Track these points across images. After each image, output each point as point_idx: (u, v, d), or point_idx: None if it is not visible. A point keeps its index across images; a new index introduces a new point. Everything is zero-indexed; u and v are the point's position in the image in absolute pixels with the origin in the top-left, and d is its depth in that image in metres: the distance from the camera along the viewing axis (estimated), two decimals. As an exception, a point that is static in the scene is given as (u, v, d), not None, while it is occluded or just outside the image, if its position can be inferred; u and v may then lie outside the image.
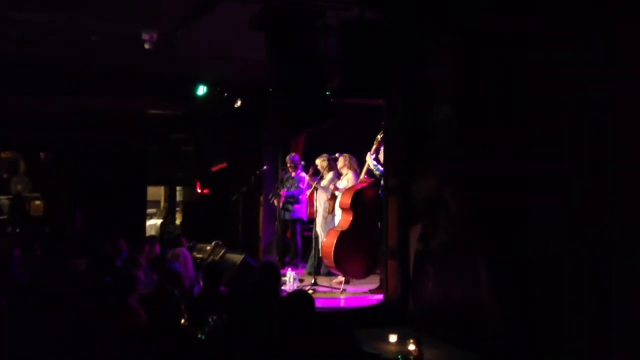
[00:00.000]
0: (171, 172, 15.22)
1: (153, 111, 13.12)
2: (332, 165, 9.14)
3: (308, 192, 9.50)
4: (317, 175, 9.34)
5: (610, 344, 4.49)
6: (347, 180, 8.80)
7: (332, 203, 8.96)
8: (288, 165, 9.73)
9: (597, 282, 4.58)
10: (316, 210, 9.09)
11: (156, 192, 16.21)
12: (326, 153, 9.23)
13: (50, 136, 13.07)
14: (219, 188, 12.91)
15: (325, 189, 9.05)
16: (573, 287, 4.74)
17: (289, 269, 8.37)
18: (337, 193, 8.73)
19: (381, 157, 8.13)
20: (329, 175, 9.10)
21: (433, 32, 6.62)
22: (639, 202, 4.32)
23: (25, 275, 6.34)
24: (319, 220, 9.07)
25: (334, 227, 8.65)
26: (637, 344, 4.29)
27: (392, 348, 5.69)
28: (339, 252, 8.18)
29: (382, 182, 8.10)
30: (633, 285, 4.32)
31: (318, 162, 9.24)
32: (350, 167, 8.84)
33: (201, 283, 6.12)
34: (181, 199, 16.40)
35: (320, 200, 9.05)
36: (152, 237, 12.52)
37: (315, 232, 8.96)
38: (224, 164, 12.52)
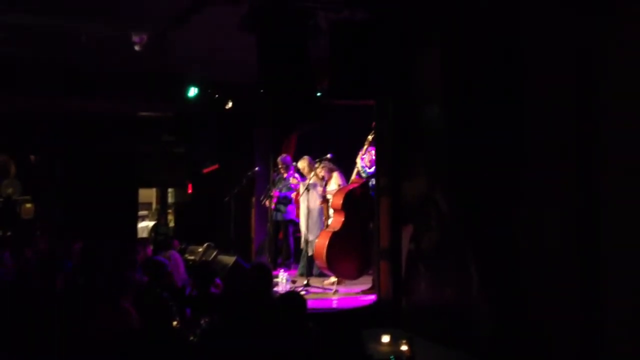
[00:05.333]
0: (162, 174, 15.17)
1: (144, 113, 13.08)
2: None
3: (293, 194, 9.52)
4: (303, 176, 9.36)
5: (603, 343, 4.50)
6: (334, 181, 8.81)
7: (326, 207, 8.94)
8: (280, 166, 9.73)
9: (588, 281, 4.60)
10: (302, 212, 9.06)
11: (148, 194, 16.16)
12: (309, 155, 9.22)
13: (41, 139, 13.00)
14: (211, 190, 12.88)
15: (314, 187, 9.01)
16: (564, 287, 4.76)
17: (281, 270, 8.35)
18: (328, 196, 8.73)
19: (368, 157, 8.14)
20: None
21: (423, 32, 6.64)
22: (628, 202, 4.34)
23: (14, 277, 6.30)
24: (303, 222, 9.06)
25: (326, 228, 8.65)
26: (629, 345, 4.30)
27: (385, 348, 5.67)
28: (331, 253, 8.17)
29: (371, 182, 8.11)
30: (625, 286, 4.34)
31: (299, 164, 9.25)
32: (332, 169, 8.84)
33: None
34: (173, 200, 16.34)
35: (305, 201, 8.98)
36: (144, 239, 12.48)
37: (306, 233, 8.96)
38: (216, 166, 12.50)
